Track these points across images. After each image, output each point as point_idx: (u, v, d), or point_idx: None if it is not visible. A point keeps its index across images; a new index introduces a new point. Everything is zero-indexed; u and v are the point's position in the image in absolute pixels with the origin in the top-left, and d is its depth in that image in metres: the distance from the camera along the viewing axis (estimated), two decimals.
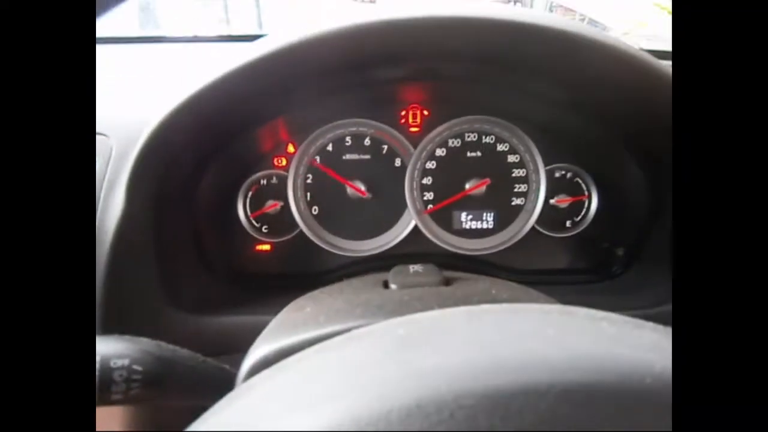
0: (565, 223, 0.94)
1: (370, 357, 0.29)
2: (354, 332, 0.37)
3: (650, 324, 0.34)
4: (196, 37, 1.37)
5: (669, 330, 0.31)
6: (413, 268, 0.61)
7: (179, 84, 0.64)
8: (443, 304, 0.49)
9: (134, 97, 0.85)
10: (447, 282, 0.57)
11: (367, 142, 0.92)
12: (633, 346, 0.28)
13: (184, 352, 0.51)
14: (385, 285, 0.59)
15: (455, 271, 0.65)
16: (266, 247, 0.95)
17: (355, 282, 0.62)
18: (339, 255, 0.93)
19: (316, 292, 0.61)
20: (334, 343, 0.36)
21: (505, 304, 0.38)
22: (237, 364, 0.48)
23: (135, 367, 0.44)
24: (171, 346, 0.50)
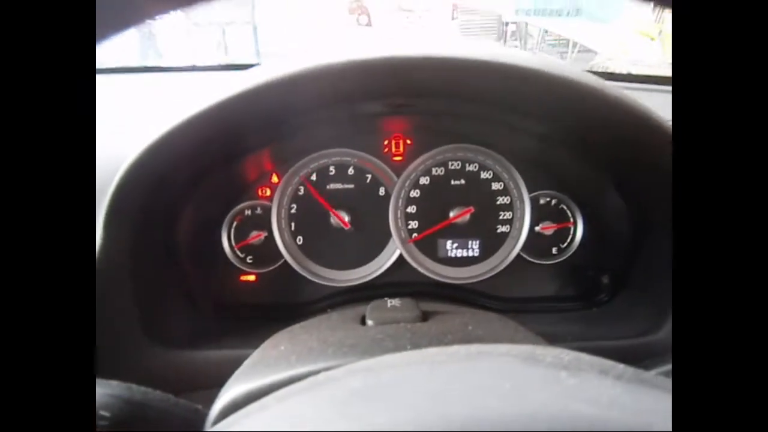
0: (550, 250, 0.94)
1: (321, 412, 0.29)
2: (315, 379, 0.36)
3: (617, 371, 0.33)
4: (194, 66, 1.39)
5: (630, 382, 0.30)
6: (391, 302, 0.60)
7: (164, 116, 0.64)
8: (415, 343, 0.48)
9: (117, 129, 0.85)
10: (424, 317, 0.57)
11: (350, 171, 0.92)
12: (593, 402, 0.27)
13: (155, 394, 0.50)
14: (363, 320, 0.58)
15: (436, 303, 0.65)
16: (251, 277, 0.94)
17: (335, 316, 0.62)
18: (324, 285, 0.92)
19: (295, 327, 0.60)
20: (298, 389, 0.36)
21: (476, 346, 0.37)
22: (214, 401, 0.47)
23: (102, 412, 0.44)
24: (143, 389, 0.49)
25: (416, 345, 0.48)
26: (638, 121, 0.58)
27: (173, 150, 0.66)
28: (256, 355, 0.54)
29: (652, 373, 0.46)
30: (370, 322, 0.56)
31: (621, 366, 0.35)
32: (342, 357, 0.47)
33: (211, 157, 0.75)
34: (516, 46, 6.76)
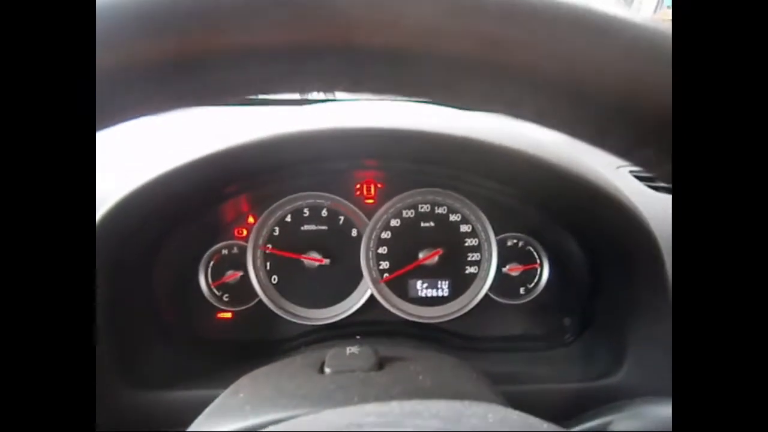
0: (518, 290, 0.97)
1: None
2: None
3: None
4: None
5: None
6: (350, 350, 0.63)
7: (145, 155, 0.67)
8: (363, 394, 0.51)
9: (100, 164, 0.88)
10: (380, 364, 0.59)
11: (324, 213, 0.95)
12: None
13: None
14: (322, 367, 0.61)
15: (399, 347, 0.67)
16: (227, 315, 0.96)
17: (298, 361, 0.64)
18: (298, 323, 0.95)
19: (260, 372, 0.63)
20: None
21: (410, 404, 0.40)
22: None
23: None
24: None
25: (363, 397, 0.50)
26: (589, 189, 0.63)
27: (151, 199, 0.69)
28: (218, 401, 0.57)
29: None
30: (327, 370, 0.59)
31: (544, 427, 0.38)
32: (292, 409, 0.50)
33: (188, 207, 0.79)
34: None
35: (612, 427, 0.54)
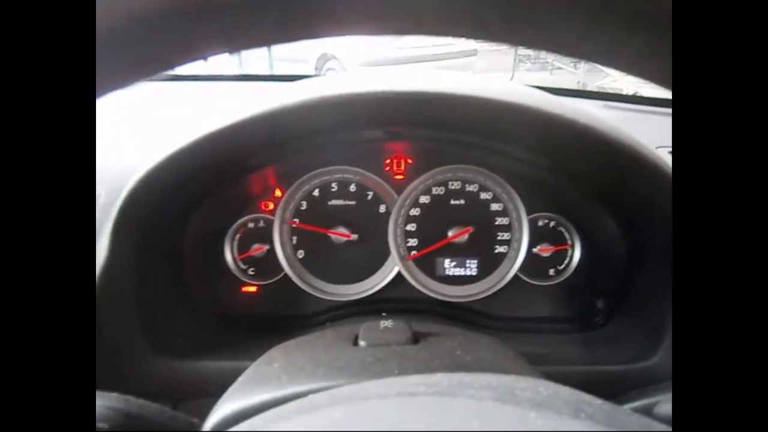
0: (548, 271, 0.95)
1: None
2: (300, 404, 0.38)
3: (591, 410, 0.34)
4: (209, 75, 1.41)
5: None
6: (384, 324, 0.62)
7: (173, 129, 0.66)
8: (403, 367, 0.50)
9: (124, 144, 0.88)
10: (415, 339, 0.58)
11: (352, 188, 0.93)
12: None
13: (152, 407, 0.52)
14: (356, 340, 0.59)
15: (430, 323, 0.66)
16: (252, 289, 0.96)
17: (330, 334, 0.63)
18: (323, 299, 0.94)
19: (291, 343, 0.62)
20: (283, 413, 0.37)
21: (458, 376, 0.39)
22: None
23: (100, 425, 0.45)
24: (140, 401, 0.51)
25: (403, 369, 0.49)
26: (631, 158, 0.60)
27: (181, 169, 0.68)
28: (251, 370, 0.56)
29: (628, 408, 0.48)
30: (362, 343, 0.58)
31: (598, 403, 0.36)
32: (330, 379, 0.49)
33: (217, 175, 0.78)
34: (529, 56, 6.77)
35: (658, 408, 0.52)
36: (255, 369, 0.56)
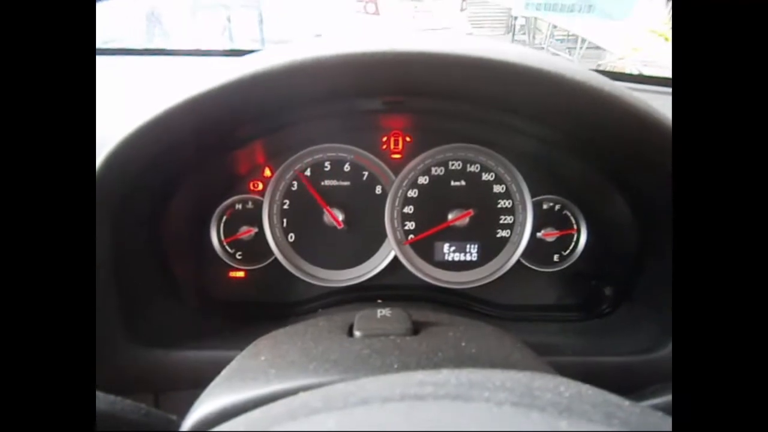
0: (552, 257, 0.90)
1: None
2: (291, 407, 0.33)
3: (623, 415, 0.29)
4: (198, 51, 1.35)
5: None
6: (381, 312, 0.57)
7: (151, 100, 0.60)
8: (403, 361, 0.45)
9: (113, 117, 0.81)
10: (415, 329, 0.53)
11: (346, 167, 0.88)
12: None
13: (125, 404, 0.47)
14: (351, 330, 0.55)
15: (429, 312, 0.61)
16: (240, 274, 0.91)
17: (322, 323, 0.58)
18: (315, 285, 0.89)
19: (279, 333, 0.57)
20: (273, 416, 0.33)
21: (467, 374, 0.34)
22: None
23: None
24: (111, 398, 0.46)
25: (404, 364, 0.45)
26: (640, 120, 0.54)
27: (157, 139, 0.62)
28: (235, 363, 0.51)
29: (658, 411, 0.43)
30: (357, 333, 0.53)
31: (626, 405, 0.31)
32: (323, 374, 0.44)
33: (200, 148, 0.71)
34: (524, 41, 6.69)
35: None
36: (239, 362, 0.51)
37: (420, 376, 0.34)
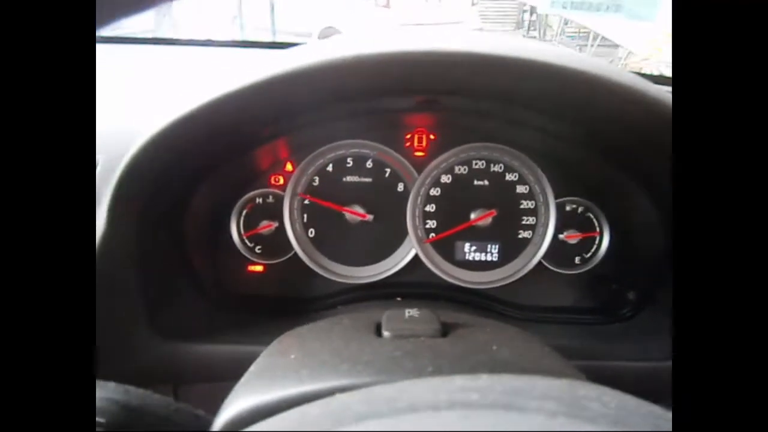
0: (574, 259, 0.89)
1: None
2: (329, 407, 0.32)
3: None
4: (209, 41, 1.34)
5: None
6: (408, 312, 0.56)
7: (177, 94, 0.60)
8: (436, 363, 0.44)
9: (124, 106, 0.81)
10: (444, 331, 0.53)
11: (369, 164, 0.87)
12: None
13: (154, 398, 0.47)
14: (378, 329, 0.54)
15: (455, 312, 0.61)
16: (259, 268, 0.91)
17: (347, 322, 0.58)
18: (334, 281, 0.89)
19: (304, 330, 0.57)
20: (312, 417, 0.32)
21: (509, 381, 0.33)
22: (219, 396, 0.44)
23: (98, 419, 0.41)
24: (141, 392, 0.46)
25: (437, 366, 0.44)
26: (665, 118, 0.53)
27: (183, 138, 0.61)
28: (263, 360, 0.51)
29: None
30: (386, 334, 0.52)
31: (670, 416, 0.31)
32: (357, 375, 0.43)
33: (223, 146, 0.71)
34: (534, 37, 6.64)
35: None
36: (267, 359, 0.51)
37: (459, 381, 0.34)
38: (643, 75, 1.40)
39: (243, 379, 0.47)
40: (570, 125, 0.68)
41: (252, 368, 0.49)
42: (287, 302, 0.90)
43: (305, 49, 0.54)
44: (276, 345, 0.54)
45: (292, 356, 0.49)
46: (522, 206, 0.88)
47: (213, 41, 1.33)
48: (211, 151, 0.71)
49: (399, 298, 0.86)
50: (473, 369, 0.44)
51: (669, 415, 0.31)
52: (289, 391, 0.43)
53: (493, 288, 0.89)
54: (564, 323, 0.86)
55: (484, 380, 0.34)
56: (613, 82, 0.52)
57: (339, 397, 0.34)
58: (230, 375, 0.47)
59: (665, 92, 0.54)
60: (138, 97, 0.85)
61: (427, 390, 0.33)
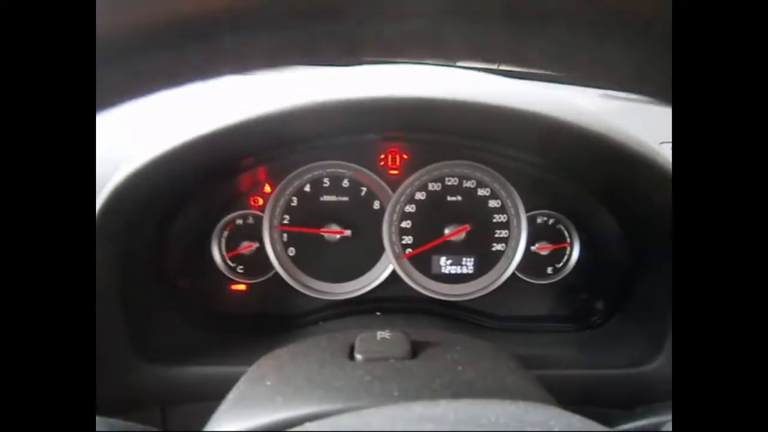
0: (545, 269, 0.92)
1: None
2: None
3: None
4: None
5: None
6: (380, 334, 0.59)
7: (159, 116, 0.61)
8: (403, 388, 0.47)
9: (108, 129, 0.82)
10: (414, 352, 0.55)
11: (345, 183, 0.90)
12: None
13: (136, 429, 0.49)
14: (352, 351, 0.57)
15: (427, 330, 0.63)
16: (242, 287, 0.93)
17: (324, 344, 0.60)
18: (315, 297, 0.91)
19: (282, 353, 0.59)
20: None
21: (464, 408, 0.36)
22: (207, 416, 0.47)
23: None
24: (122, 423, 0.48)
25: (403, 391, 0.47)
26: (631, 158, 0.57)
27: (170, 169, 0.64)
28: (242, 386, 0.53)
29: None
30: (358, 357, 0.55)
31: None
32: (329, 401, 0.46)
33: (208, 176, 0.73)
34: None
35: (667, 428, 0.50)
36: (246, 385, 0.53)
37: (419, 409, 0.36)
38: None
39: (221, 407, 0.50)
40: (535, 156, 0.71)
41: (230, 395, 0.51)
42: (270, 319, 0.92)
43: (274, 94, 0.57)
44: (254, 369, 0.56)
45: (268, 382, 0.51)
46: (495, 220, 0.91)
47: None
48: (193, 182, 0.73)
49: (378, 313, 0.89)
50: (436, 393, 0.47)
51: None
52: (264, 419, 0.45)
53: (469, 300, 0.92)
54: (537, 332, 0.89)
55: (441, 407, 0.37)
56: (574, 125, 0.56)
57: (307, 428, 0.37)
58: (217, 395, 0.49)
59: (622, 132, 0.58)
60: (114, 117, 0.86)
61: (387, 420, 0.36)
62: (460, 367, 0.52)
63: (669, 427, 0.51)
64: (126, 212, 0.66)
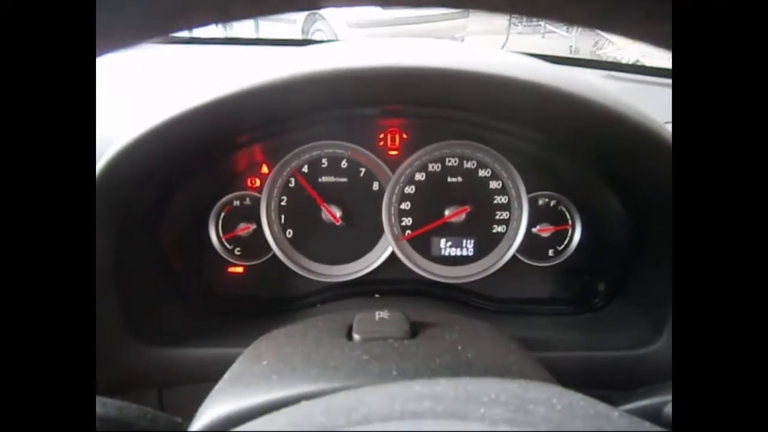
0: (547, 251, 0.91)
1: None
2: (289, 419, 0.34)
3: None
4: (192, 38, 1.33)
5: None
6: (379, 314, 0.58)
7: (153, 96, 0.60)
8: (401, 367, 0.46)
9: (104, 107, 0.81)
10: (413, 332, 0.54)
11: (344, 164, 0.88)
12: None
13: (132, 409, 0.48)
14: (350, 332, 0.56)
15: (427, 310, 0.62)
16: (239, 269, 0.92)
17: (321, 324, 0.59)
18: (313, 280, 0.90)
19: (280, 333, 0.58)
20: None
21: (463, 386, 0.35)
22: (204, 398, 0.46)
23: None
24: (118, 403, 0.47)
25: (402, 370, 0.46)
26: (635, 132, 0.55)
27: (163, 144, 0.62)
28: (238, 366, 0.52)
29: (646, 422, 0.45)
30: (356, 337, 0.54)
31: (616, 416, 0.33)
32: (325, 380, 0.45)
33: (202, 152, 0.72)
34: (516, 24, 6.62)
35: (668, 409, 0.50)
36: (242, 365, 0.53)
37: (418, 387, 0.36)
38: (621, 65, 1.42)
39: (217, 386, 0.49)
40: (536, 132, 0.70)
41: (227, 375, 0.51)
42: (268, 302, 0.91)
43: (269, 66, 0.55)
44: (251, 349, 0.56)
45: (265, 362, 0.51)
46: (495, 201, 0.89)
47: (198, 39, 1.33)
48: (187, 159, 0.72)
49: (377, 295, 0.88)
50: (436, 372, 0.46)
51: (615, 414, 0.33)
52: (260, 398, 0.45)
53: (470, 282, 0.91)
54: (538, 314, 0.88)
55: (441, 385, 0.36)
56: (577, 96, 0.54)
57: (303, 406, 0.36)
58: (214, 377, 0.48)
59: (626, 105, 0.56)
60: (113, 99, 0.85)
61: (385, 398, 0.35)
62: (459, 347, 0.51)
63: (669, 407, 0.51)
64: (119, 191, 0.65)
